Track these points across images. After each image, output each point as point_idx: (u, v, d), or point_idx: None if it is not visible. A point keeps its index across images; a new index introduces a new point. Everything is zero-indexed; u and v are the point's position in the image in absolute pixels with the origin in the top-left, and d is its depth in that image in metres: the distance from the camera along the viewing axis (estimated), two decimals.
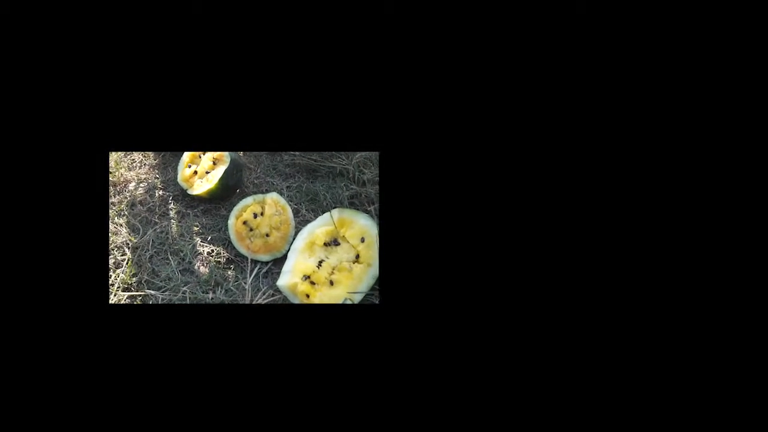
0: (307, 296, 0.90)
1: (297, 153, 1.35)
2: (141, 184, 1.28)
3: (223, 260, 1.06)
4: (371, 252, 0.94)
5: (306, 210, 1.19)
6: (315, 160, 1.32)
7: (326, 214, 1.01)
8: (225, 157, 1.19)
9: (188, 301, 0.95)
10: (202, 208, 1.20)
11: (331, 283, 0.92)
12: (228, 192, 1.19)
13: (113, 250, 1.06)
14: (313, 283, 0.92)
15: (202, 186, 1.17)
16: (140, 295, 0.97)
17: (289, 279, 0.92)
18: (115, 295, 0.96)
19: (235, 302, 0.97)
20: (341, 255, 0.96)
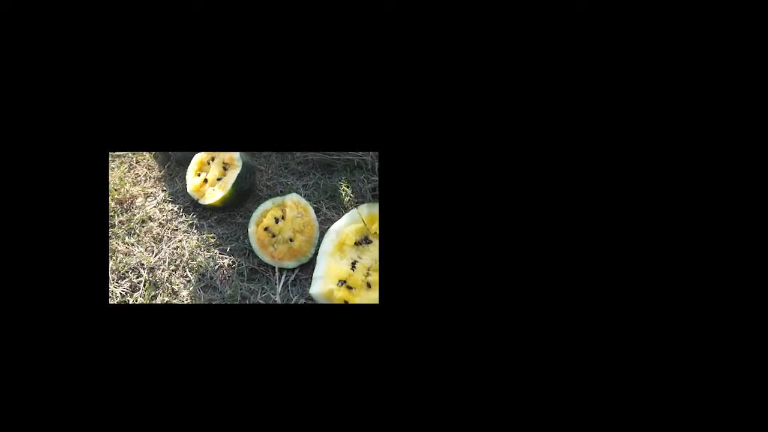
0: (346, 302, 0.82)
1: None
2: (148, 199, 1.20)
3: (246, 271, 0.99)
4: None
5: (327, 208, 1.12)
6: (329, 155, 1.24)
7: (353, 211, 0.93)
8: (236, 161, 1.11)
9: None
10: (215, 217, 1.13)
11: (369, 285, 0.85)
12: (242, 198, 1.11)
13: (128, 272, 0.99)
14: (350, 288, 0.84)
15: (214, 194, 1.10)
16: None
17: (324, 285, 0.85)
18: None
19: None
20: (375, 254, 0.88)
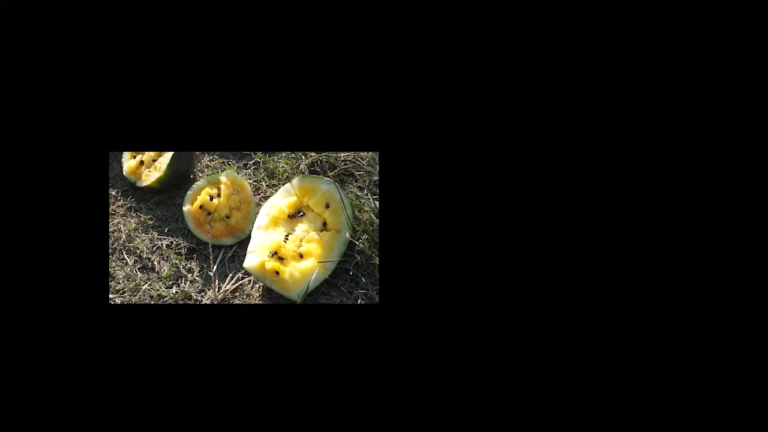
0: (277, 273, 0.84)
1: None
2: None
3: (183, 251, 0.99)
4: (338, 217, 0.88)
5: (267, 186, 1.12)
6: None
7: (287, 185, 0.94)
8: None
9: (150, 300, 0.88)
10: (154, 199, 1.12)
11: (301, 255, 0.86)
12: (180, 178, 1.10)
13: None
14: (281, 259, 0.85)
15: (151, 176, 1.09)
16: None
17: (256, 259, 0.86)
18: None
19: (202, 292, 0.90)
20: (308, 225, 0.89)
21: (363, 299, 0.84)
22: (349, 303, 0.78)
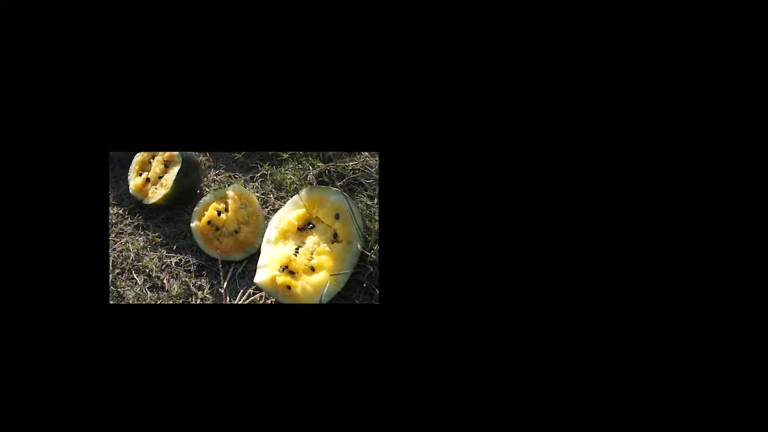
0: (288, 288, 0.82)
1: None
2: None
3: (193, 268, 0.97)
4: (349, 228, 0.86)
5: (275, 198, 1.10)
6: None
7: (295, 197, 0.92)
8: (176, 157, 1.09)
9: None
10: (162, 216, 1.11)
11: (312, 269, 0.84)
12: (186, 194, 1.09)
13: None
14: (292, 273, 0.83)
15: (157, 193, 1.08)
16: None
17: (266, 273, 0.84)
18: None
19: None
20: (318, 237, 0.88)
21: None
22: (348, 303, 0.76)
